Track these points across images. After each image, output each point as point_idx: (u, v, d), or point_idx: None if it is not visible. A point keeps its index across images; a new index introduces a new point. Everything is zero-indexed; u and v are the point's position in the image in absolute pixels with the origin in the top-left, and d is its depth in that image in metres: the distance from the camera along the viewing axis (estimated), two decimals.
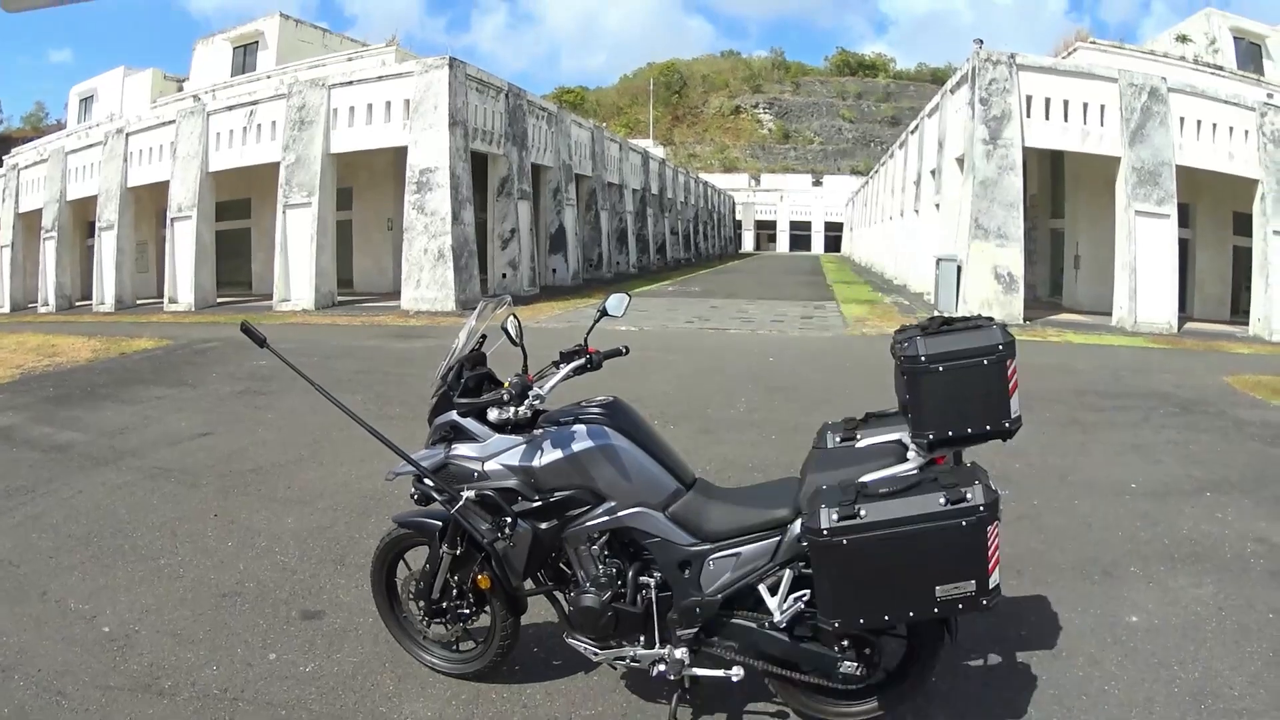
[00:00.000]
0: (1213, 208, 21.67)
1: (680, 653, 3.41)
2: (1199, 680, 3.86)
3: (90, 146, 28.28)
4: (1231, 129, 19.18)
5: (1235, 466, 7.40)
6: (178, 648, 4.35)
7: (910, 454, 3.23)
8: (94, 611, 4.76)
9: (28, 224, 30.92)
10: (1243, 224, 20.47)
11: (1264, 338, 18.11)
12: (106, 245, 26.48)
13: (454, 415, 3.56)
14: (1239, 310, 20.94)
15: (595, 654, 3.56)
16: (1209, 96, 19.36)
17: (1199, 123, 19.18)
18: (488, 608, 3.80)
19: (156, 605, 4.84)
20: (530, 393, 3.38)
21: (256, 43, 30.89)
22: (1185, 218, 20.18)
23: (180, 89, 31.59)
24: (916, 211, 28.27)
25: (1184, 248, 19.97)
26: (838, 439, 3.52)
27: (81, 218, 29.62)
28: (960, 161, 21.14)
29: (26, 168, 31.40)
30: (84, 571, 5.34)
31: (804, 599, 3.27)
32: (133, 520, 6.23)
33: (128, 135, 26.52)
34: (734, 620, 3.40)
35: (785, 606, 3.29)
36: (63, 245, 28.76)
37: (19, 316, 26.82)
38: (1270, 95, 19.79)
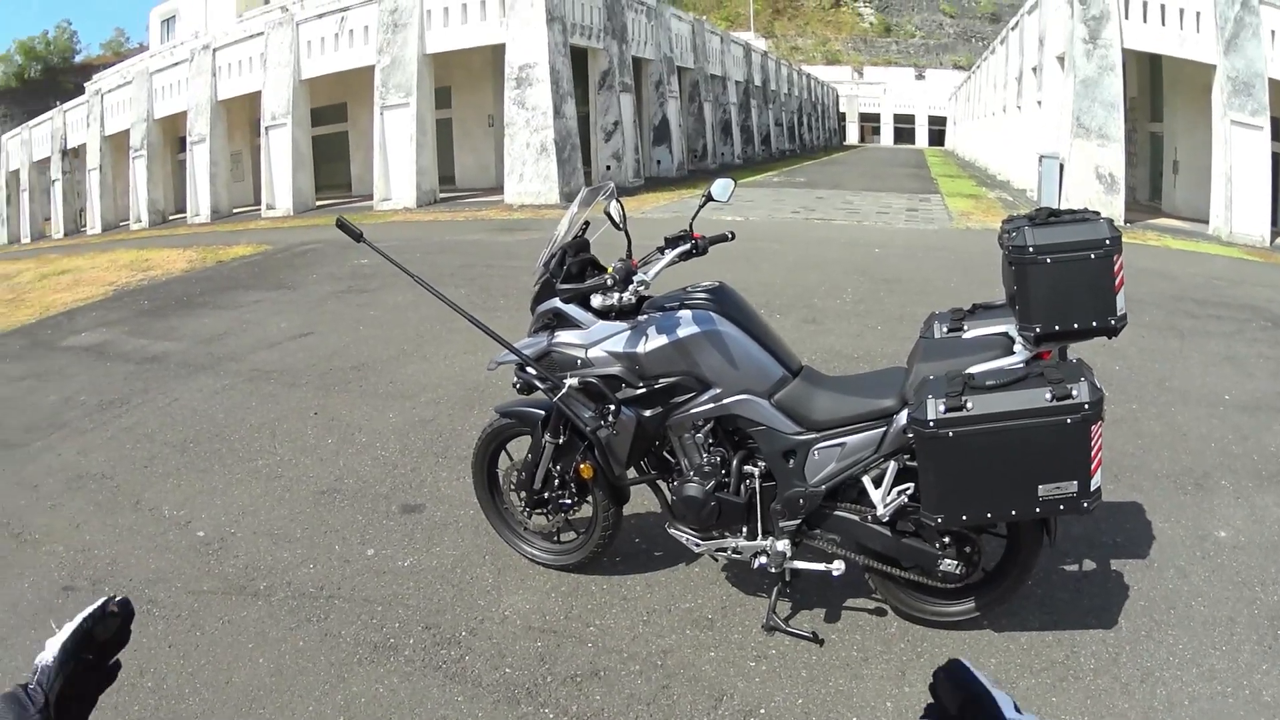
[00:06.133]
0: None
1: (782, 545, 3.41)
2: (1278, 603, 3.72)
3: (176, 65, 28.45)
4: None
5: None
6: (274, 548, 4.42)
7: (1017, 347, 3.16)
8: (188, 517, 4.83)
9: (115, 145, 31.39)
10: None
11: None
12: (199, 158, 26.83)
13: (557, 302, 3.54)
14: None
15: (697, 544, 3.58)
16: None
17: None
18: (590, 498, 3.82)
19: (253, 506, 4.91)
20: (635, 278, 3.33)
21: None
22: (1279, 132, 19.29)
23: (266, 1, 31.60)
24: (1019, 108, 27.23)
25: (1277, 163, 19.10)
26: (944, 329, 3.46)
27: (171, 134, 29.98)
28: (1061, 60, 20.41)
29: (110, 91, 31.72)
30: (179, 478, 5.41)
31: (907, 492, 3.25)
32: (230, 423, 6.29)
33: (215, 50, 26.67)
34: (837, 512, 3.39)
35: (888, 500, 3.27)
36: (153, 162, 29.19)
37: (112, 235, 27.28)
38: None
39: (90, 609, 1.04)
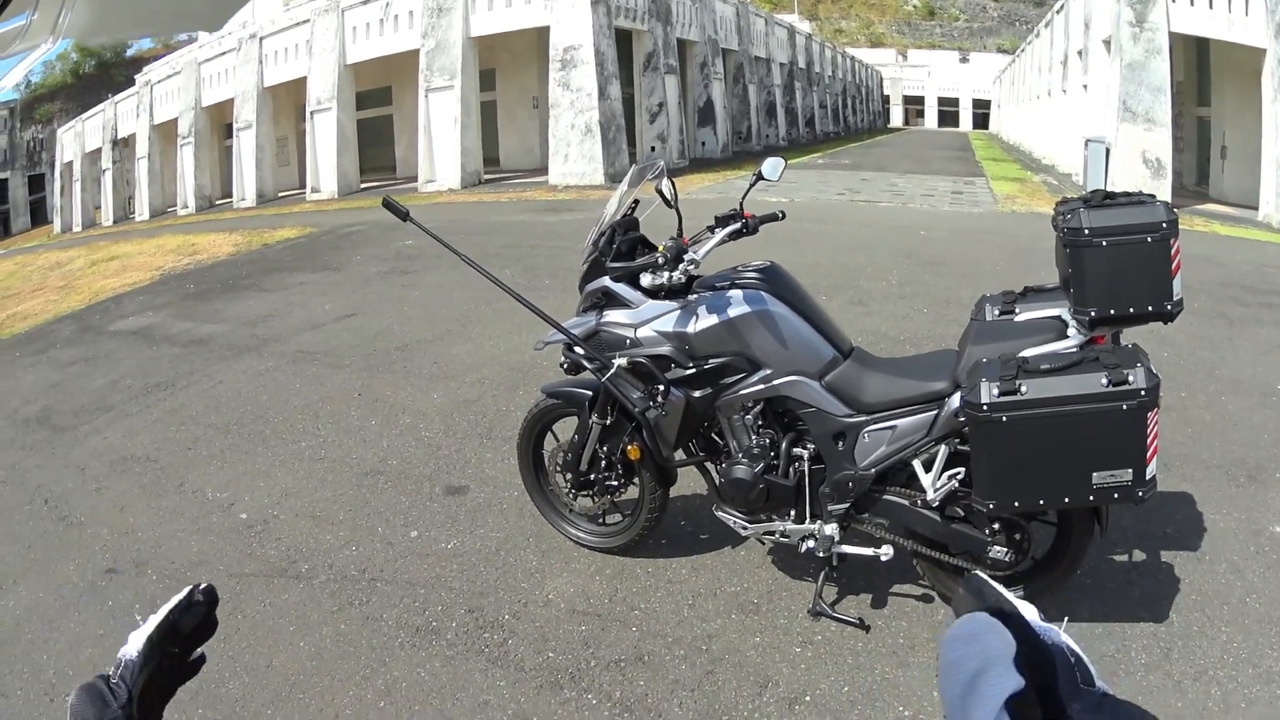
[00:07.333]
0: None
1: (830, 528, 3.36)
2: None
3: (223, 54, 28.95)
4: None
5: None
6: (316, 530, 4.42)
7: (1070, 331, 3.08)
8: (231, 499, 4.84)
9: (163, 134, 32.04)
10: None
11: None
12: (245, 144, 27.36)
13: (606, 280, 3.49)
14: None
15: (744, 527, 3.53)
16: None
17: None
18: (636, 479, 3.78)
19: (296, 488, 4.92)
20: (685, 257, 3.27)
21: None
22: None
23: None
24: (1064, 91, 26.83)
25: None
26: (996, 312, 3.37)
27: (218, 121, 30.50)
28: (1107, 43, 20.12)
29: (159, 82, 32.43)
30: (223, 460, 5.43)
31: (958, 477, 3.18)
32: (274, 405, 6.32)
33: (261, 39, 27.13)
34: (886, 496, 3.34)
35: (939, 484, 3.20)
36: (200, 148, 29.78)
37: (159, 221, 27.77)
38: None
39: (175, 599, 1.02)
